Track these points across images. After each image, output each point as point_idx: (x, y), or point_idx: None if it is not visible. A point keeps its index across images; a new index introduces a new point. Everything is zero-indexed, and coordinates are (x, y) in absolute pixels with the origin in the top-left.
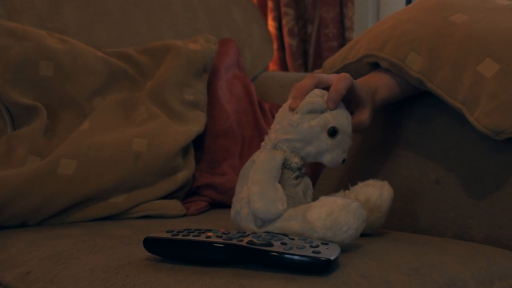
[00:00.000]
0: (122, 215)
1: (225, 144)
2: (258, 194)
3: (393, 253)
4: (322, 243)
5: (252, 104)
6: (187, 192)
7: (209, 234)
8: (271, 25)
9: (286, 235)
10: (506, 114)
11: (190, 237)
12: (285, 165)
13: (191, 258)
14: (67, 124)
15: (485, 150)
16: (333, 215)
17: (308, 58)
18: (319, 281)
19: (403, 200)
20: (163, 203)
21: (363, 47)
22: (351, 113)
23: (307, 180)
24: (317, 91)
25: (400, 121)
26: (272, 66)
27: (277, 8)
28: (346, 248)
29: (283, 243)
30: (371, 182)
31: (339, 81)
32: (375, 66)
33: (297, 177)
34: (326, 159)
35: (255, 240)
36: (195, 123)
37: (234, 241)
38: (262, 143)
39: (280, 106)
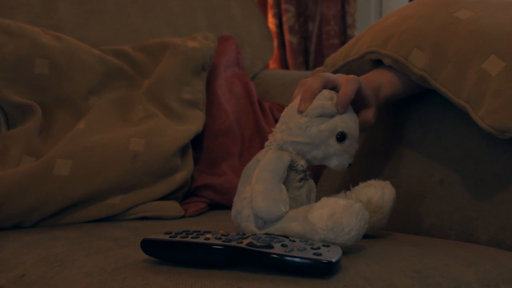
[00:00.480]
0: (119, 217)
1: (225, 144)
2: (262, 193)
3: (396, 255)
4: (323, 245)
5: (252, 103)
6: (185, 193)
7: (208, 236)
8: (271, 22)
9: (286, 236)
10: (511, 113)
11: (189, 239)
12: (290, 167)
13: (189, 261)
14: (63, 124)
15: (490, 149)
16: (335, 216)
17: (309, 56)
18: (320, 284)
19: (406, 201)
20: (161, 204)
21: (365, 44)
22: (356, 112)
23: (311, 183)
24: (326, 92)
25: (403, 120)
26: (272, 64)
27: (278, 5)
28: (348, 250)
29: (284, 245)
30: (372, 182)
31: (348, 85)
32: (377, 63)
33: (301, 180)
34: (332, 163)
35: (255, 242)
36: (194, 123)
37: (234, 243)
38: (267, 143)
39: (280, 105)
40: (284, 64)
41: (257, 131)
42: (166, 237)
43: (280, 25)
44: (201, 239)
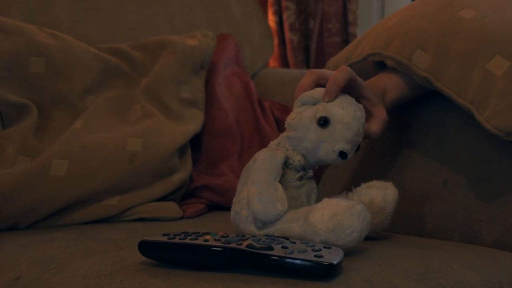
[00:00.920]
0: (116, 218)
1: (224, 143)
2: (257, 195)
3: (399, 257)
4: (324, 247)
5: (251, 102)
6: (184, 194)
7: (207, 237)
8: (272, 19)
9: (287, 238)
10: None
11: (187, 241)
12: (287, 164)
13: (188, 263)
14: (59, 123)
15: (494, 151)
16: (336, 217)
17: (310, 54)
18: (321, 287)
19: (409, 202)
20: (159, 205)
21: (367, 45)
22: None
23: (312, 184)
24: (319, 89)
25: (406, 121)
26: (273, 63)
27: (278, 2)
28: (349, 252)
29: (284, 247)
30: (375, 183)
31: (338, 73)
32: (380, 65)
33: (300, 178)
34: (321, 152)
35: (254, 244)
36: (193, 122)
37: (233, 245)
38: (271, 142)
39: (280, 104)
40: (284, 63)
41: (257, 130)
42: (164, 238)
43: (280, 23)
44: (200, 241)
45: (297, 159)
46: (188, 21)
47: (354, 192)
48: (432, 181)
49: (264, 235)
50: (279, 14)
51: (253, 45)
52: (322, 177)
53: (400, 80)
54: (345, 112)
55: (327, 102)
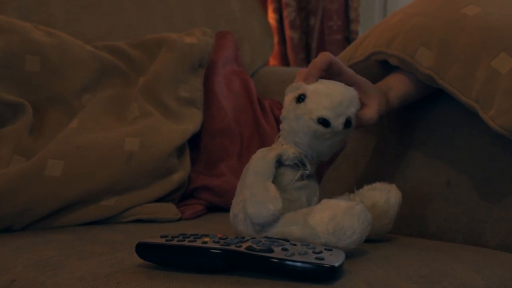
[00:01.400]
0: (113, 219)
1: (223, 143)
2: (249, 198)
3: (401, 259)
4: (325, 249)
5: (251, 101)
6: (182, 195)
7: (206, 239)
8: (272, 17)
9: (287, 240)
10: None
11: (186, 243)
12: (282, 162)
13: (186, 265)
14: (55, 123)
15: (499, 150)
16: (336, 219)
17: (311, 52)
18: None
19: (411, 203)
20: (156, 206)
21: (370, 44)
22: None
23: (314, 186)
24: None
25: (408, 120)
26: (273, 61)
27: None
28: (351, 254)
29: (284, 249)
30: (377, 185)
31: (318, 57)
32: (384, 64)
33: (302, 178)
34: (304, 128)
35: (254, 246)
36: (191, 121)
37: (232, 247)
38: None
39: (281, 103)
40: (284, 61)
41: (256, 130)
42: (162, 240)
43: (280, 20)
44: (198, 243)
45: (290, 152)
46: (187, 18)
47: (356, 194)
48: (435, 182)
49: (264, 237)
50: (279, 11)
51: (253, 43)
52: (323, 178)
53: (405, 77)
54: (323, 86)
55: (307, 84)
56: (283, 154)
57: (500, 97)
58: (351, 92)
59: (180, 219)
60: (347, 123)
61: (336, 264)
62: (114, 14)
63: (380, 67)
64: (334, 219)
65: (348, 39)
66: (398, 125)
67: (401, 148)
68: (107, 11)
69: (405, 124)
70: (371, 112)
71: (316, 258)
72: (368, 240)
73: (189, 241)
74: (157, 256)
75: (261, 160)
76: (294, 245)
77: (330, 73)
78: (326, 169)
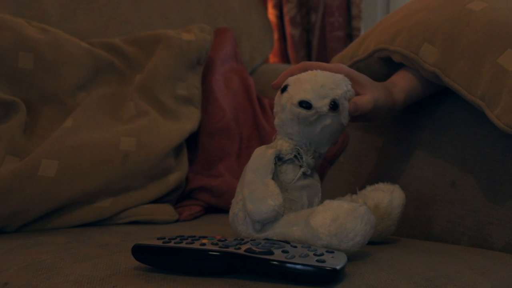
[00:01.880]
0: (108, 221)
1: (221, 143)
2: (248, 195)
3: (405, 262)
4: (327, 251)
5: (250, 99)
6: (179, 196)
7: (204, 241)
8: (271, 13)
9: (287, 242)
10: None
11: (183, 245)
12: (282, 159)
13: (184, 268)
14: (49, 122)
15: (506, 150)
16: (338, 220)
17: (312, 49)
18: None
19: (415, 204)
20: (153, 208)
21: (373, 41)
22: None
23: (315, 186)
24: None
25: (412, 118)
26: (273, 58)
27: None
28: (353, 257)
29: (285, 251)
30: (381, 186)
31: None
32: (387, 62)
33: (304, 176)
34: (288, 115)
35: (254, 248)
36: (189, 121)
37: (231, 249)
38: None
39: None
40: (285, 58)
41: (256, 129)
42: (159, 242)
43: (280, 16)
44: (196, 245)
45: (286, 145)
46: (184, 14)
47: (359, 194)
48: (439, 182)
49: (264, 239)
50: (279, 8)
51: (252, 40)
52: (324, 179)
53: (409, 73)
54: (306, 74)
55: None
56: (281, 150)
57: (507, 95)
58: (337, 76)
59: (177, 221)
60: (334, 106)
61: (338, 267)
62: (109, 10)
63: (383, 65)
64: (336, 221)
65: (350, 36)
66: (402, 124)
67: (404, 147)
68: (102, 7)
69: (409, 123)
70: (367, 97)
71: (317, 261)
72: (371, 242)
73: (186, 243)
74: (154, 258)
75: (260, 158)
76: (295, 247)
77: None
78: (327, 169)
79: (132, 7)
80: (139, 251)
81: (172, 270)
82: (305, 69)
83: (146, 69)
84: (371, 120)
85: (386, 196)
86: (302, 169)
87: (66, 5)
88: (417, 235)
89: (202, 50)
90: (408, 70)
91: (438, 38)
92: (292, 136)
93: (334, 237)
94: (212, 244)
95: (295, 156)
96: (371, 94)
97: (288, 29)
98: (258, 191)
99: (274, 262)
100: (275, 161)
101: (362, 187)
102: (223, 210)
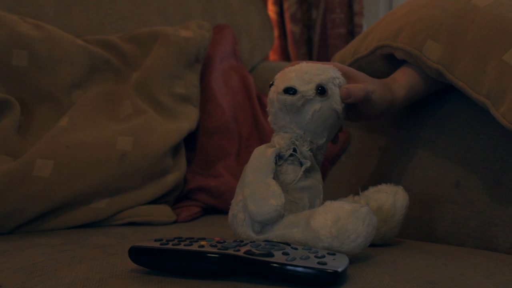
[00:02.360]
0: (105, 222)
1: (220, 142)
2: (250, 196)
3: (408, 264)
4: (328, 253)
5: (250, 98)
6: (177, 196)
7: (202, 243)
8: (272, 9)
9: (288, 244)
10: None
11: (181, 247)
12: (283, 158)
13: (182, 270)
14: (43, 120)
15: (511, 149)
16: (339, 222)
17: (313, 47)
18: None
19: (419, 206)
20: (150, 209)
21: (375, 38)
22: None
23: (317, 187)
24: None
25: (415, 117)
26: (273, 56)
27: None
28: (355, 259)
29: (285, 253)
30: (384, 187)
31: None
32: (390, 59)
33: (305, 176)
34: (276, 105)
35: (253, 250)
36: (187, 119)
37: (230, 251)
38: None
39: None
40: (285, 56)
41: (255, 128)
42: (157, 244)
43: (281, 13)
44: (194, 247)
45: (282, 141)
46: (182, 10)
47: (361, 195)
48: (444, 183)
49: (264, 241)
50: (279, 4)
51: (252, 37)
52: (326, 179)
53: (411, 69)
54: (292, 66)
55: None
56: (281, 148)
57: None
58: (324, 65)
59: (175, 222)
60: (322, 90)
61: (340, 269)
62: (106, 6)
63: (386, 62)
64: (337, 222)
65: (352, 33)
66: (405, 123)
67: (408, 147)
68: (98, 3)
69: (412, 122)
70: (360, 84)
71: (318, 263)
72: (373, 245)
73: (184, 245)
74: (151, 260)
75: (260, 157)
76: (295, 249)
77: None
78: (329, 169)
79: (129, 3)
80: (136, 253)
81: (169, 273)
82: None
83: (143, 66)
84: (371, 117)
85: (389, 197)
86: (303, 168)
87: (61, 1)
88: (421, 236)
89: (201, 47)
90: (409, 66)
91: (442, 35)
92: (285, 128)
93: (336, 238)
94: (211, 246)
95: (294, 149)
96: (366, 83)
97: (289, 26)
98: (259, 191)
99: (274, 265)
100: (276, 160)
101: (365, 187)
102: (222, 211)
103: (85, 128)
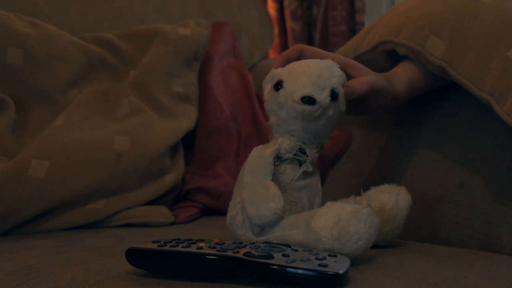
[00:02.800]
0: (101, 223)
1: (219, 142)
2: (248, 198)
3: (410, 266)
4: (329, 255)
5: (249, 97)
6: (175, 197)
7: (201, 244)
8: (271, 6)
9: (288, 245)
10: None
11: (179, 248)
12: (282, 159)
13: (180, 272)
14: (39, 120)
15: None
16: (341, 223)
17: (314, 44)
18: None
19: (421, 206)
20: (148, 210)
21: (377, 33)
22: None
23: (316, 185)
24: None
25: (418, 116)
26: (273, 54)
27: None
28: (356, 261)
29: (285, 255)
30: (386, 187)
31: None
32: (392, 55)
33: (304, 176)
34: (292, 113)
35: (253, 252)
36: (185, 119)
37: (229, 253)
38: None
39: None
40: None
41: (255, 128)
42: (154, 246)
43: (281, 10)
44: (193, 249)
45: (287, 143)
46: (180, 8)
47: (363, 196)
48: (447, 183)
49: (264, 242)
50: (279, 1)
51: (252, 35)
52: (327, 179)
53: (412, 65)
54: (297, 65)
55: (279, 70)
56: (280, 148)
57: None
58: (327, 62)
59: (173, 223)
60: (333, 95)
61: (341, 272)
62: (102, 4)
63: (388, 58)
64: (338, 224)
65: (353, 31)
66: (407, 122)
67: (410, 147)
68: (95, 0)
69: (414, 121)
70: (361, 78)
71: (319, 265)
72: (375, 246)
73: (183, 247)
74: (148, 262)
75: (258, 158)
76: (296, 250)
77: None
78: (330, 170)
79: (127, 1)
80: (134, 255)
81: (167, 275)
82: (300, 52)
83: (140, 65)
84: (371, 111)
85: (392, 198)
86: (302, 168)
87: None
88: (423, 238)
89: (199, 45)
90: (410, 61)
91: (445, 31)
92: (294, 132)
93: (337, 240)
94: (210, 247)
95: (295, 154)
96: (368, 76)
97: (289, 23)
98: (258, 194)
99: (274, 267)
100: (274, 161)
101: (366, 188)
102: (221, 212)
103: (81, 127)
